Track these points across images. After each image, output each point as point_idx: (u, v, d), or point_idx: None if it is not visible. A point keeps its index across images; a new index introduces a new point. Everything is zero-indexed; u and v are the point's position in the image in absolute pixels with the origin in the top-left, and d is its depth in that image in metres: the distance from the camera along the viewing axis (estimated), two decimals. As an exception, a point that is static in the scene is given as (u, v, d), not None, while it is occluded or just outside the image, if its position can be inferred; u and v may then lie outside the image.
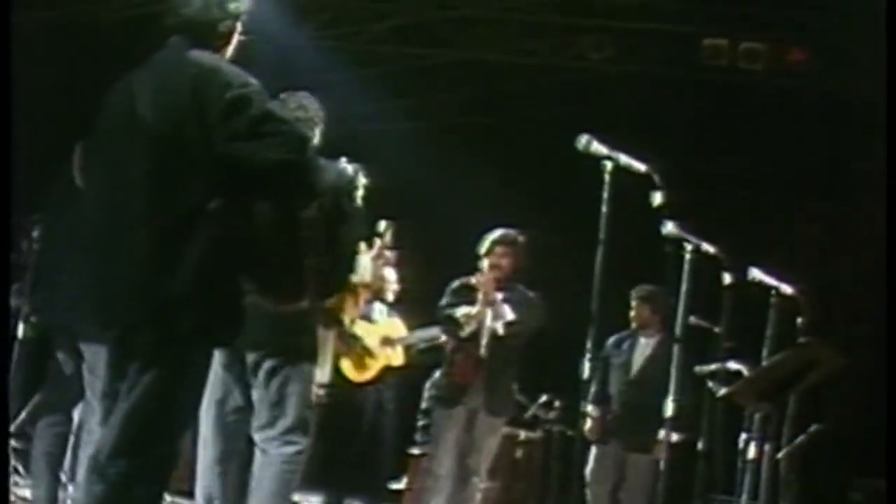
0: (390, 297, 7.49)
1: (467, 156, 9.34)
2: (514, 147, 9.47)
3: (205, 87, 3.43)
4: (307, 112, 4.75)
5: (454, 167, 9.23)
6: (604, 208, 4.17)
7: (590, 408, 6.63)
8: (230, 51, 3.67)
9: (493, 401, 6.26)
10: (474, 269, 6.47)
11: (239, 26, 3.66)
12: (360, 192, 5.69)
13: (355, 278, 5.97)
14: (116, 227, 3.50)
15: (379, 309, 7.42)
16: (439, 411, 6.49)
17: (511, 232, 6.44)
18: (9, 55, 3.56)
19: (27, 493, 5.77)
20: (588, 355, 4.06)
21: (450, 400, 6.37)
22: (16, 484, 5.85)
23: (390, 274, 7.28)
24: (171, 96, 3.47)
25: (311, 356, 4.82)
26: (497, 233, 6.43)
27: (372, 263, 5.91)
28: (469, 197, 9.09)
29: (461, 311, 6.34)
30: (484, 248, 6.39)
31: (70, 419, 5.04)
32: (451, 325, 6.40)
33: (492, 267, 6.32)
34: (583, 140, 4.27)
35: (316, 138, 4.67)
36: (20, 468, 6.20)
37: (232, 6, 3.60)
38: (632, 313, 6.99)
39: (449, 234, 8.98)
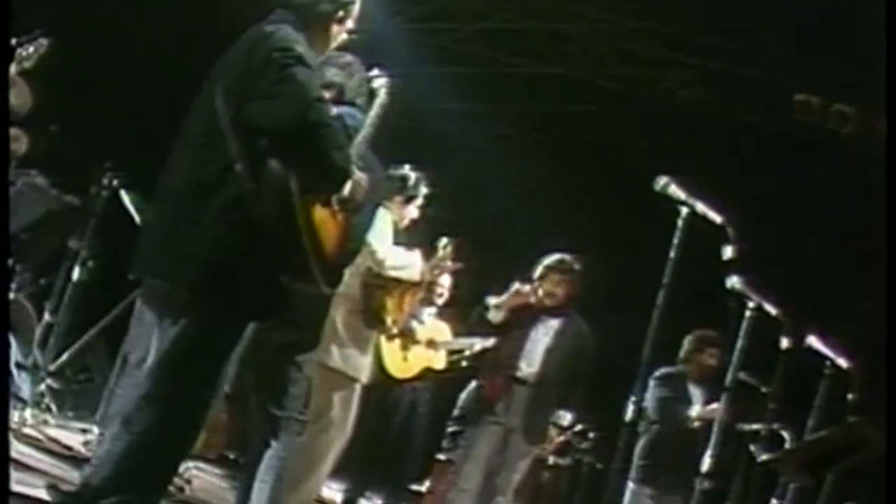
0: (440, 301, 7.51)
1: (539, 170, 9.30)
2: (587, 169, 9.41)
3: (256, 48, 3.57)
4: (350, 79, 4.42)
5: (524, 179, 9.21)
6: (672, 253, 4.14)
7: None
8: (333, 36, 3.77)
9: (531, 426, 6.24)
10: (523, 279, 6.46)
11: (342, 13, 3.76)
12: (419, 201, 5.72)
13: (405, 276, 5.98)
14: (169, 181, 3.65)
15: (427, 311, 7.45)
16: (473, 426, 6.47)
17: (567, 258, 6.39)
18: (8, 54, 3.63)
19: (58, 433, 5.83)
20: (633, 398, 4.03)
21: (478, 414, 6.35)
22: (45, 422, 5.91)
23: (444, 279, 7.31)
24: (233, 56, 3.63)
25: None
26: (553, 258, 6.38)
27: (428, 268, 5.94)
28: (534, 211, 9.06)
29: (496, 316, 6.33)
30: (538, 272, 6.35)
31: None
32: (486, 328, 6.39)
33: (546, 294, 6.30)
34: (661, 182, 4.25)
35: (354, 114, 4.32)
36: (53, 407, 6.28)
37: None
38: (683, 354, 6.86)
39: (509, 245, 8.99)
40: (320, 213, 3.67)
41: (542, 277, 6.33)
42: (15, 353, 6.51)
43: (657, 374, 6.53)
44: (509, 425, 6.21)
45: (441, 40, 8.96)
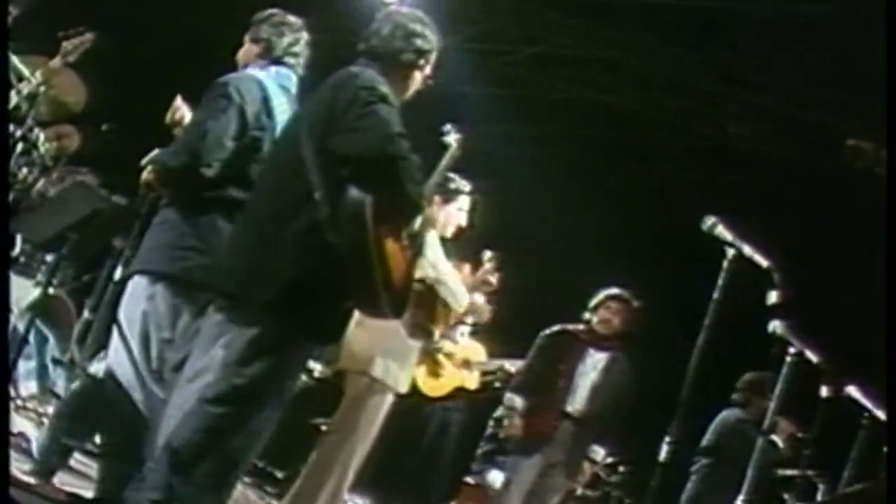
0: (476, 321, 7.49)
1: (583, 198, 9.26)
2: (633, 200, 9.36)
3: (342, 86, 3.84)
4: (280, 38, 4.56)
5: (567, 205, 9.17)
6: (716, 294, 4.12)
7: None
8: (413, 83, 4.03)
9: (571, 462, 6.26)
10: (569, 312, 6.45)
11: (422, 62, 4.02)
12: (462, 203, 5.71)
13: (461, 307, 6.00)
14: (253, 205, 3.94)
15: (462, 331, 7.44)
16: (520, 455, 6.45)
17: (627, 293, 6.41)
18: (7, 53, 3.69)
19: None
20: (668, 438, 4.00)
21: (529, 450, 6.34)
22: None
23: (481, 300, 7.30)
24: (319, 94, 3.92)
25: None
26: (613, 290, 6.40)
27: (468, 288, 5.94)
28: (576, 238, 9.02)
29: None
30: (597, 300, 6.36)
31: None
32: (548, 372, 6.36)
33: (601, 321, 6.30)
34: (709, 222, 4.24)
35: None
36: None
37: (417, 41, 4.00)
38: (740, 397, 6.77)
39: (548, 270, 8.96)
40: (391, 245, 3.82)
41: (599, 306, 6.35)
42: (52, 349, 6.57)
43: (727, 417, 6.53)
44: (552, 459, 6.23)
45: (493, 62, 8.97)
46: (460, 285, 5.66)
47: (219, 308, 3.85)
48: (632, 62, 8.69)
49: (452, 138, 4.78)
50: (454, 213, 5.59)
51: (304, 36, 4.65)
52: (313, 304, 3.70)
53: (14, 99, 4.51)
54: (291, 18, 4.67)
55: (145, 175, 4.41)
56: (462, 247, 5.94)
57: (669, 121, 8.89)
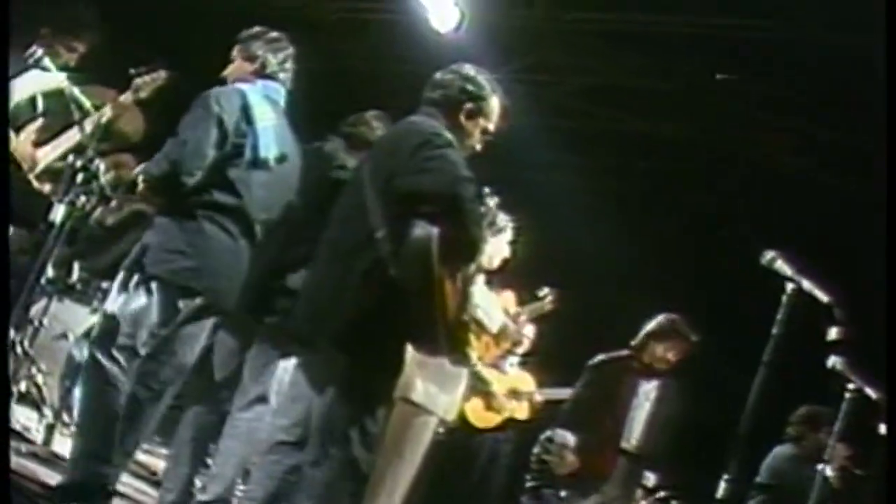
0: (525, 350, 7.47)
1: (635, 228, 9.22)
2: (686, 231, 9.30)
3: (408, 133, 4.04)
4: (275, 55, 4.77)
5: (618, 235, 9.12)
6: (775, 329, 4.08)
7: None
8: (471, 131, 4.17)
9: (625, 496, 6.21)
10: (619, 342, 6.41)
11: (481, 113, 4.17)
12: (506, 235, 5.73)
13: (494, 327, 6.02)
14: (321, 247, 4.10)
15: (511, 361, 7.42)
16: (570, 495, 6.42)
17: (682, 325, 6.37)
18: (7, 53, 3.75)
19: (146, 458, 5.91)
20: (727, 475, 3.96)
21: (584, 488, 6.30)
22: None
23: (529, 330, 7.29)
24: (383, 141, 4.19)
25: None
26: (666, 320, 6.36)
27: (516, 317, 5.94)
28: (626, 268, 8.97)
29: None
30: (650, 330, 6.32)
31: (218, 409, 5.11)
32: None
33: (656, 356, 6.26)
34: (768, 256, 4.23)
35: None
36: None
37: (479, 93, 4.16)
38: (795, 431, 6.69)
39: (597, 300, 8.91)
40: (449, 285, 3.90)
41: (654, 337, 6.31)
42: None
43: (781, 452, 6.45)
44: (609, 495, 6.18)
45: (544, 93, 8.97)
46: (495, 307, 5.71)
47: (292, 349, 3.96)
48: (685, 93, 8.65)
49: (508, 223, 4.93)
50: (499, 246, 5.64)
51: (291, 52, 4.88)
52: (378, 340, 3.77)
53: (77, 131, 4.60)
54: (278, 35, 4.91)
55: (139, 186, 4.56)
56: (508, 276, 5.97)
57: (724, 151, 8.83)
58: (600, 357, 6.53)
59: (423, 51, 7.97)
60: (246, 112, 4.60)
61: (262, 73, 4.79)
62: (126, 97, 5.50)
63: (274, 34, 4.88)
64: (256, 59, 4.81)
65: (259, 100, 4.67)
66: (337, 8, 8.63)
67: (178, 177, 4.42)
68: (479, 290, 5.44)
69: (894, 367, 4.33)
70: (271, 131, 4.70)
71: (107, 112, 5.00)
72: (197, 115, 4.52)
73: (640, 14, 8.01)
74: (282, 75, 4.83)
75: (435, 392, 5.33)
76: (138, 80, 5.56)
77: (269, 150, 4.68)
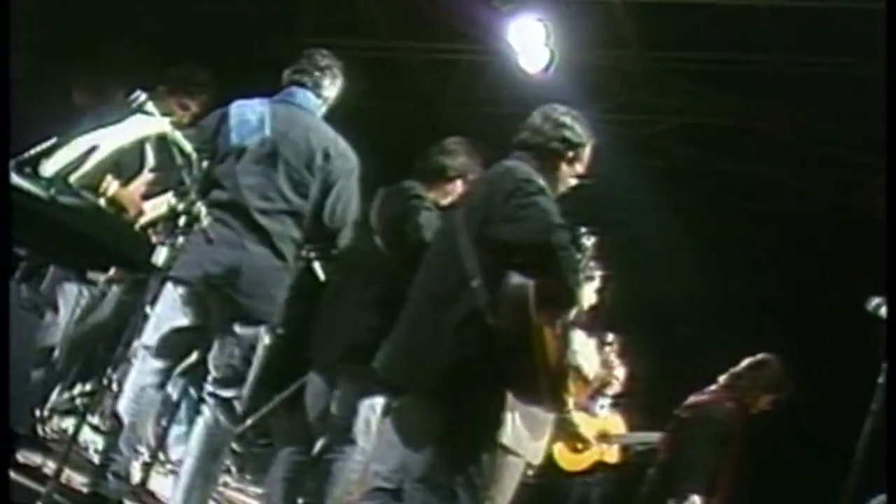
0: (614, 393, 7.41)
1: (725, 266, 9.11)
2: (777, 274, 9.16)
3: (500, 179, 4.03)
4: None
5: (709, 275, 9.03)
6: (881, 378, 4.00)
7: None
8: (563, 176, 4.15)
9: None
10: (706, 382, 6.33)
11: (572, 154, 4.15)
12: (595, 283, 5.70)
13: (592, 372, 5.98)
14: (413, 294, 4.06)
15: (600, 403, 7.36)
16: None
17: (780, 368, 6.28)
18: (7, 52, 3.79)
19: (236, 495, 5.96)
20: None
21: None
22: (225, 484, 6.04)
23: (619, 372, 7.24)
24: (475, 187, 4.18)
25: None
26: (782, 369, 6.27)
27: (605, 360, 5.90)
28: (719, 308, 8.86)
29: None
30: (767, 379, 6.23)
31: (309, 448, 5.15)
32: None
33: (759, 404, 6.17)
34: (874, 302, 4.15)
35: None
36: (233, 469, 6.42)
37: (571, 136, 4.13)
38: None
39: (689, 341, 8.81)
40: (548, 333, 3.87)
41: (763, 389, 6.22)
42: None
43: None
44: None
45: (633, 132, 8.94)
46: (591, 351, 5.66)
47: (379, 391, 3.95)
48: (776, 132, 8.56)
49: (589, 240, 4.86)
50: (587, 294, 5.60)
51: (328, 63, 4.97)
52: (475, 390, 3.74)
53: (181, 174, 4.68)
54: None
55: None
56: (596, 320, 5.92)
57: (816, 191, 8.70)
58: (698, 396, 6.40)
59: (512, 92, 7.99)
60: (224, 115, 4.82)
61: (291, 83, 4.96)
62: None
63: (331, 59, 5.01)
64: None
65: (247, 102, 4.85)
66: (425, 49, 8.69)
67: None
68: (575, 335, 5.40)
69: (894, 364, 4.22)
70: (250, 123, 4.81)
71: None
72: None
73: (731, 53, 7.95)
74: (308, 80, 4.93)
75: (526, 436, 5.29)
76: None
77: (243, 138, 4.79)
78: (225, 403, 4.72)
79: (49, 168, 4.28)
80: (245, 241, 4.68)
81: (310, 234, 4.87)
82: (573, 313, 4.07)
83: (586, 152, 4.22)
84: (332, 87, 4.99)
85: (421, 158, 5.29)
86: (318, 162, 4.80)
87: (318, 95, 4.95)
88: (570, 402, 6.05)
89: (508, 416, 5.10)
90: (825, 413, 5.68)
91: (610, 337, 7.03)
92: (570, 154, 4.13)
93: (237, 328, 4.69)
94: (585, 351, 5.67)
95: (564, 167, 4.16)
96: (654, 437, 6.97)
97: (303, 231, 4.82)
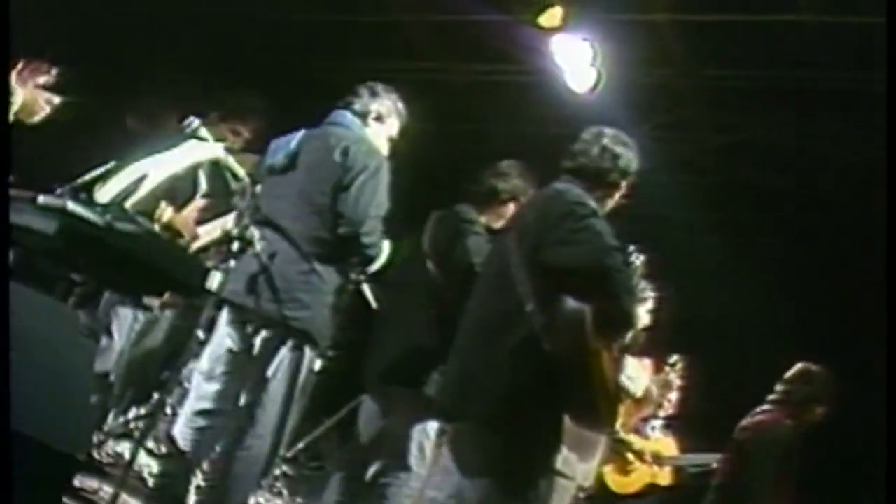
0: (667, 414, 7.36)
1: (777, 285, 9.01)
2: (829, 290, 9.04)
3: (552, 202, 4.03)
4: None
5: (760, 293, 8.93)
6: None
7: None
8: (611, 202, 4.20)
9: None
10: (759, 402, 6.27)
11: (624, 182, 4.21)
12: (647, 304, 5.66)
13: (639, 391, 5.94)
14: (466, 321, 4.04)
15: (651, 425, 7.31)
16: None
17: (829, 378, 6.22)
18: (8, 53, 3.81)
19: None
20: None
21: None
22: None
23: (672, 394, 7.18)
24: (526, 210, 4.18)
25: None
26: (832, 380, 6.21)
27: (657, 382, 5.85)
28: (770, 328, 8.75)
29: None
30: (818, 390, 6.17)
31: (362, 473, 5.13)
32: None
33: (815, 416, 6.11)
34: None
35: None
36: (285, 492, 6.42)
37: (622, 163, 4.17)
38: None
39: (740, 360, 8.71)
40: (605, 355, 3.85)
41: (815, 402, 6.16)
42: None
43: None
44: None
45: (683, 150, 8.88)
46: (640, 371, 5.62)
47: (432, 416, 3.93)
48: (828, 150, 8.48)
49: (638, 258, 4.85)
50: (642, 315, 5.56)
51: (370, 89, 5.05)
52: (532, 416, 3.71)
53: (234, 199, 4.73)
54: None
55: None
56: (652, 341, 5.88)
57: (871, 210, 8.57)
58: (751, 419, 6.32)
59: (560, 111, 7.97)
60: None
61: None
62: None
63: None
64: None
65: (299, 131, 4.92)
66: (472, 70, 8.70)
67: None
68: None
69: (894, 367, 4.13)
70: (283, 144, 4.90)
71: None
72: None
73: (779, 70, 7.89)
74: (357, 105, 5.02)
75: (575, 459, 5.27)
76: None
77: (274, 157, 4.91)
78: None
79: (104, 194, 4.33)
80: (271, 250, 4.67)
81: (333, 231, 4.80)
82: (630, 335, 4.05)
83: (633, 174, 4.28)
84: (370, 102, 5.04)
85: (473, 181, 5.29)
86: (336, 158, 4.81)
87: (354, 112, 5.01)
88: (619, 422, 6.04)
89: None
90: (873, 427, 5.56)
91: (674, 358, 6.96)
92: (618, 176, 4.19)
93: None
94: (632, 371, 5.63)
95: (612, 189, 4.21)
96: (709, 459, 6.91)
97: (329, 230, 4.79)
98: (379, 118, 5.05)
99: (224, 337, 4.79)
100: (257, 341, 4.76)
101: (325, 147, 4.86)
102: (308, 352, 4.83)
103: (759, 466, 6.13)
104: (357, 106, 5.03)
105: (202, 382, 4.76)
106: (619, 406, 4.11)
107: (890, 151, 5.82)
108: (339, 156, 4.81)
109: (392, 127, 5.09)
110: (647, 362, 6.42)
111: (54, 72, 4.11)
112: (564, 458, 5.15)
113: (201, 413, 4.73)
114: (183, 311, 5.75)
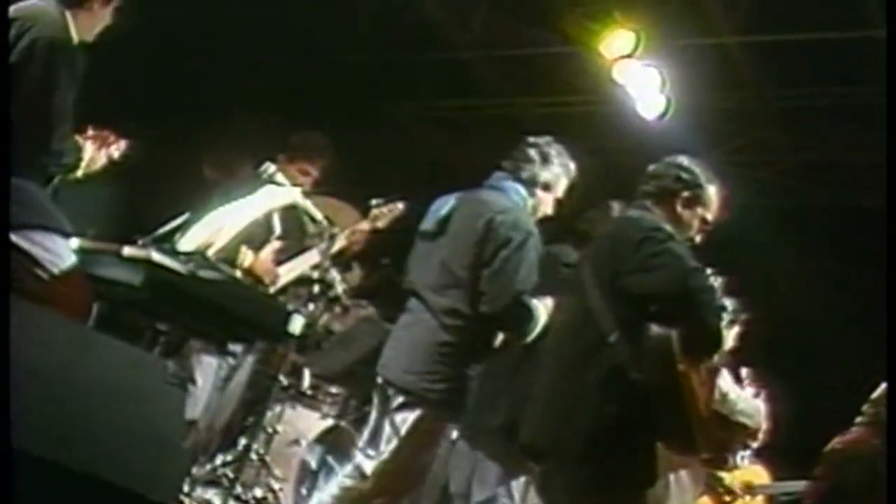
0: (755, 443, 7.21)
1: (855, 307, 8.84)
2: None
3: (625, 230, 4.00)
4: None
5: (839, 316, 8.78)
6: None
7: None
8: (689, 226, 4.09)
9: None
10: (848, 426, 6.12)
11: (698, 203, 4.09)
12: (736, 326, 5.56)
13: (752, 425, 5.82)
14: (544, 359, 4.01)
15: (742, 454, 7.17)
16: None
17: None
18: (7, 55, 3.81)
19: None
20: None
21: None
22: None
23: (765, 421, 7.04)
24: (600, 241, 4.13)
25: None
26: None
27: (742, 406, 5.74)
28: (850, 353, 8.59)
29: None
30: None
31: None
32: None
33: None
34: None
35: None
36: None
37: (681, 173, 4.10)
38: None
39: (823, 383, 8.56)
40: (695, 379, 3.78)
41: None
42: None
43: None
44: None
45: (759, 172, 8.78)
46: (755, 403, 5.52)
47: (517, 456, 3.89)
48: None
49: (716, 284, 4.76)
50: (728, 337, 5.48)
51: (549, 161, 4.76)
52: (623, 449, 3.65)
53: (314, 253, 4.79)
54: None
55: None
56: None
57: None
58: (839, 441, 6.17)
59: (631, 140, 7.94)
60: None
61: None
62: (363, 226, 5.74)
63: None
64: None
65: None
66: (541, 104, 8.69)
67: None
68: (733, 388, 5.29)
69: (894, 367, 4.00)
70: (437, 207, 4.75)
71: (343, 237, 5.21)
72: None
73: (852, 87, 7.78)
74: (525, 174, 4.73)
75: (674, 492, 5.20)
76: (376, 210, 5.83)
77: (427, 221, 4.76)
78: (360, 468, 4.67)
79: (186, 243, 4.38)
80: (412, 319, 4.61)
81: (474, 307, 4.48)
82: (717, 357, 4.00)
83: (707, 196, 4.13)
84: (541, 170, 4.72)
85: (578, 220, 5.17)
86: (479, 229, 4.53)
87: (521, 180, 4.70)
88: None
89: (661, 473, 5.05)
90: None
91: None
92: (686, 194, 4.07)
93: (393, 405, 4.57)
94: (746, 406, 5.52)
95: (685, 210, 4.08)
96: (800, 486, 6.75)
97: (468, 306, 4.49)
98: (547, 187, 4.75)
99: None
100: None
101: (472, 215, 4.61)
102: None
103: (847, 489, 5.98)
104: (525, 174, 4.70)
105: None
106: (713, 430, 4.02)
107: (890, 147, 5.70)
108: (483, 227, 4.52)
109: (560, 189, 4.81)
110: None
111: (122, 144, 4.14)
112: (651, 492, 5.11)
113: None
114: (263, 356, 5.78)
